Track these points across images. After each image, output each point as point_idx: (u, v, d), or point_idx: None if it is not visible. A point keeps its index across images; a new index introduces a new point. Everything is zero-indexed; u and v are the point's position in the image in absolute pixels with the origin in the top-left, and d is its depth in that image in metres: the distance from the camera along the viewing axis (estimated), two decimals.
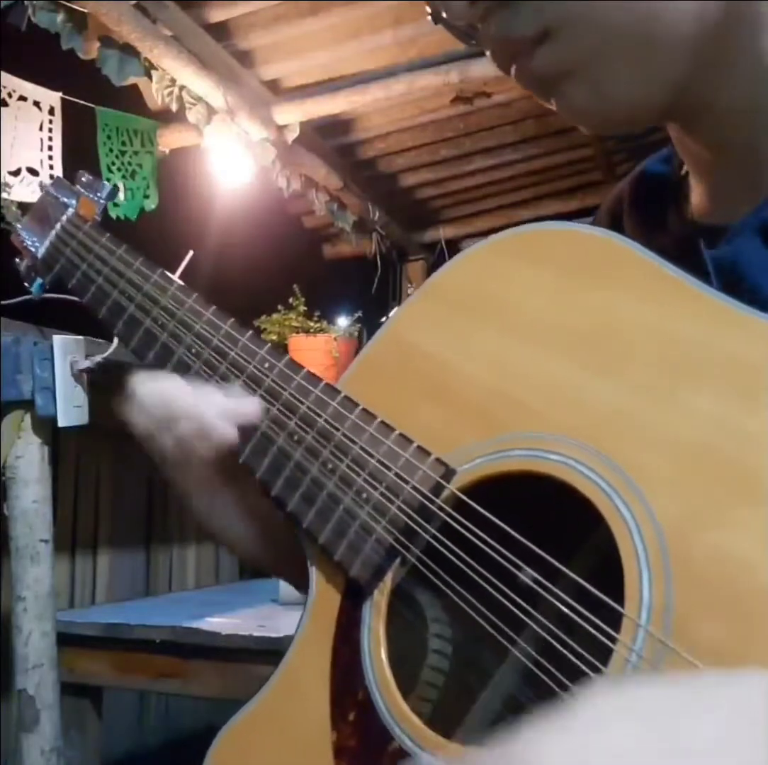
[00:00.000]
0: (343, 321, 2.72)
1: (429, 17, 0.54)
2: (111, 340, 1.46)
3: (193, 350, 0.65)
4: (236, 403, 0.60)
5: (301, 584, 0.69)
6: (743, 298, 0.44)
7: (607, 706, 0.30)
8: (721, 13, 0.48)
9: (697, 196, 0.59)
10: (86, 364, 1.43)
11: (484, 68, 2.63)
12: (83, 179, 0.79)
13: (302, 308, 2.65)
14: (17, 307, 1.48)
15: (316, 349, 2.52)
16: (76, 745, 1.57)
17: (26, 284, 0.79)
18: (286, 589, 1.74)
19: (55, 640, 1.41)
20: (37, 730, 1.36)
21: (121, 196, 2.48)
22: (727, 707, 0.29)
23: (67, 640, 1.49)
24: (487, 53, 0.54)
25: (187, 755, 0.56)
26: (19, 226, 0.79)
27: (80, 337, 1.47)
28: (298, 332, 2.58)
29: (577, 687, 0.40)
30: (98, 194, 0.77)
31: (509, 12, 0.50)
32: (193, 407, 0.59)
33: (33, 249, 0.77)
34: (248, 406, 0.60)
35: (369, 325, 2.71)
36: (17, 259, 0.80)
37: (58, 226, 0.76)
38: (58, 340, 1.42)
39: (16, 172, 2.17)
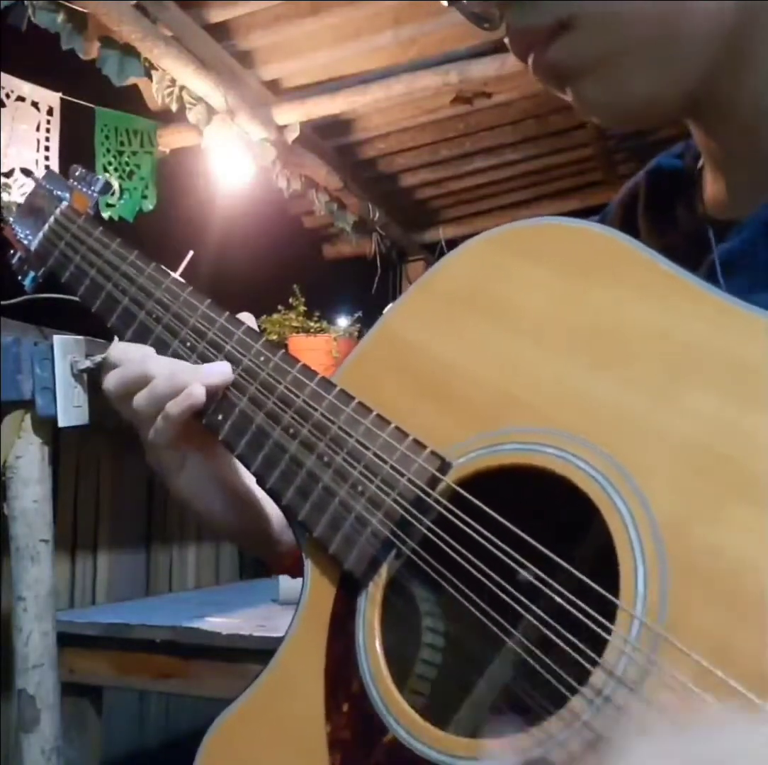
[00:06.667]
0: (343, 321, 2.73)
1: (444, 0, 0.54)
2: (111, 340, 1.45)
3: (188, 343, 0.65)
4: (208, 366, 0.62)
5: (268, 559, 0.71)
6: (751, 293, 0.43)
7: None
8: (740, 13, 0.49)
9: (712, 190, 0.59)
10: (86, 364, 1.43)
11: (484, 68, 2.63)
12: (76, 173, 0.78)
13: (302, 308, 2.65)
14: (17, 307, 1.48)
15: (316, 349, 2.52)
16: (76, 745, 1.56)
17: (19, 278, 0.78)
18: (286, 588, 1.73)
19: (55, 640, 1.40)
20: (37, 730, 1.35)
21: (116, 194, 2.47)
22: None
23: (67, 640, 1.49)
24: (505, 40, 0.54)
25: (187, 755, 0.55)
26: (11, 219, 0.77)
27: (80, 337, 1.47)
28: (298, 332, 2.58)
29: (573, 678, 0.40)
30: (91, 188, 0.76)
31: (529, 1, 0.49)
32: (167, 365, 0.63)
33: (26, 242, 0.76)
34: (218, 367, 0.62)
35: (369, 325, 2.71)
36: (10, 252, 0.79)
37: (51, 219, 0.75)
38: (58, 340, 1.41)
39: (9, 173, 2.17)
